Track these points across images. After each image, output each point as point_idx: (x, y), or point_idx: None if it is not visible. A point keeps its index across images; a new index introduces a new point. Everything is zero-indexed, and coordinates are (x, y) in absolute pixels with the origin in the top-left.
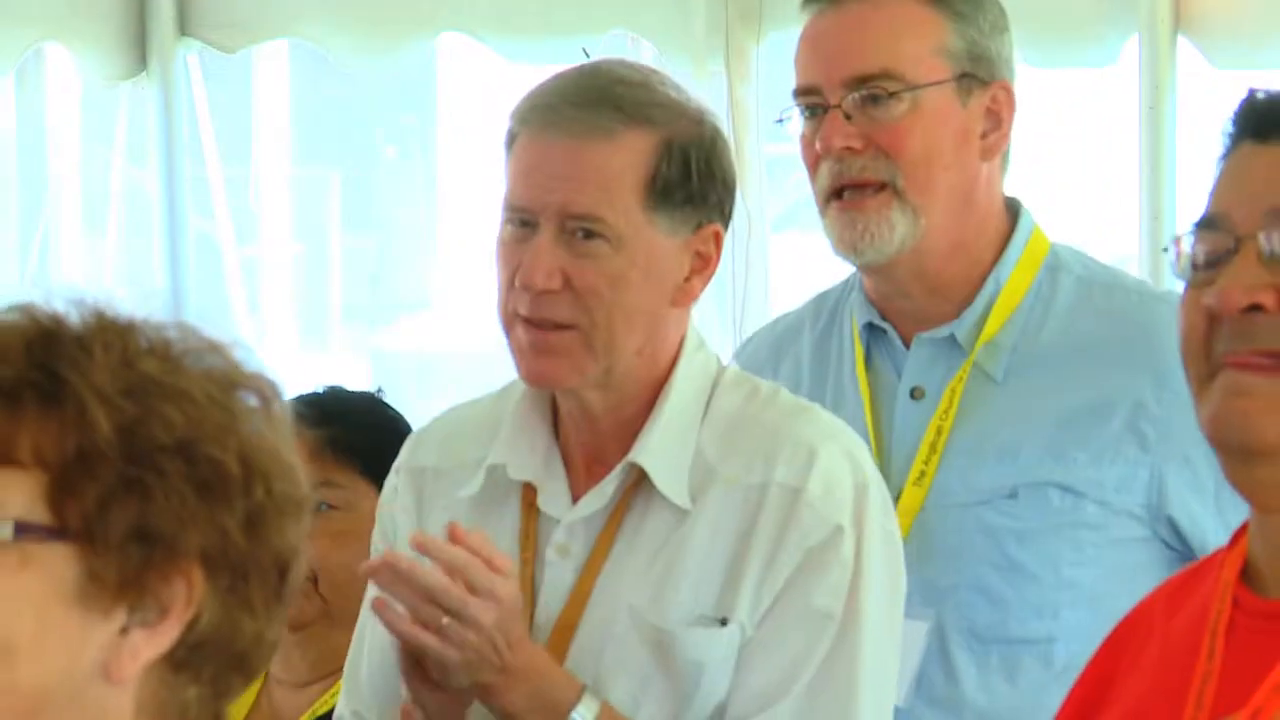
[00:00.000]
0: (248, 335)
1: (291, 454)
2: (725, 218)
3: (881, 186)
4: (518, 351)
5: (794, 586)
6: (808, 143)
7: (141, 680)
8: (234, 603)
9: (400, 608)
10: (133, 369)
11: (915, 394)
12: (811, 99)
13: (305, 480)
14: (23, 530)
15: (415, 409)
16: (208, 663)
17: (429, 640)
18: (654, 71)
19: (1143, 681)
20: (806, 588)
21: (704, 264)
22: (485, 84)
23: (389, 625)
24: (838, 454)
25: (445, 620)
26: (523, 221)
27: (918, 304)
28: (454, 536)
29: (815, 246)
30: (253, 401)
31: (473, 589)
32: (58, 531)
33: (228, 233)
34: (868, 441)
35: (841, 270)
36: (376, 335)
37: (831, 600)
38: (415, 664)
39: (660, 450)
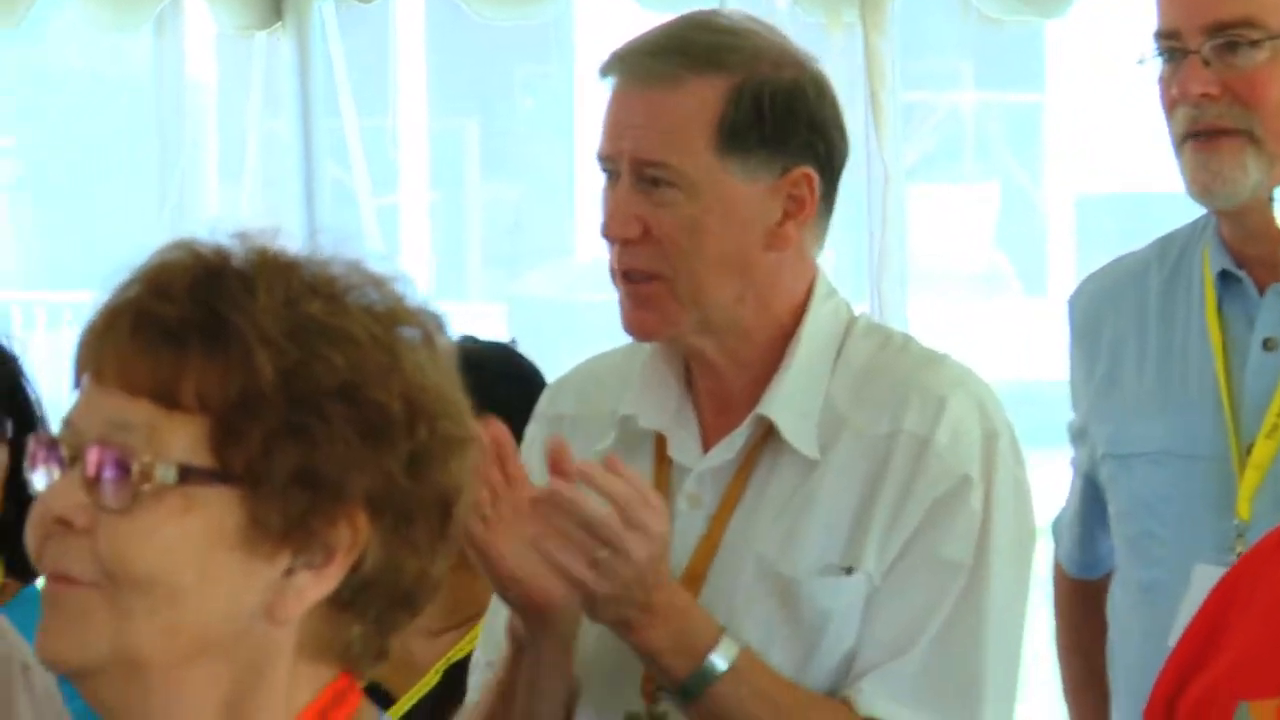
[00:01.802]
0: None
1: (455, 389)
2: (819, 161)
3: (1237, 133)
4: (620, 304)
5: (921, 537)
6: (1165, 85)
7: (305, 619)
8: (398, 543)
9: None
10: (296, 310)
11: (1269, 345)
12: (1171, 43)
13: (469, 416)
14: (187, 474)
15: (554, 357)
16: (372, 602)
17: (583, 572)
18: (749, 20)
19: (1252, 628)
20: (934, 538)
21: (798, 208)
22: (622, 32)
23: (546, 556)
24: (967, 403)
25: (600, 553)
26: (608, 171)
27: (1274, 251)
28: (612, 468)
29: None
30: (416, 337)
31: (629, 522)
32: (221, 475)
33: (364, 182)
34: (1216, 392)
35: (978, 219)
36: (514, 283)
37: (959, 550)
38: (502, 580)
39: (788, 401)
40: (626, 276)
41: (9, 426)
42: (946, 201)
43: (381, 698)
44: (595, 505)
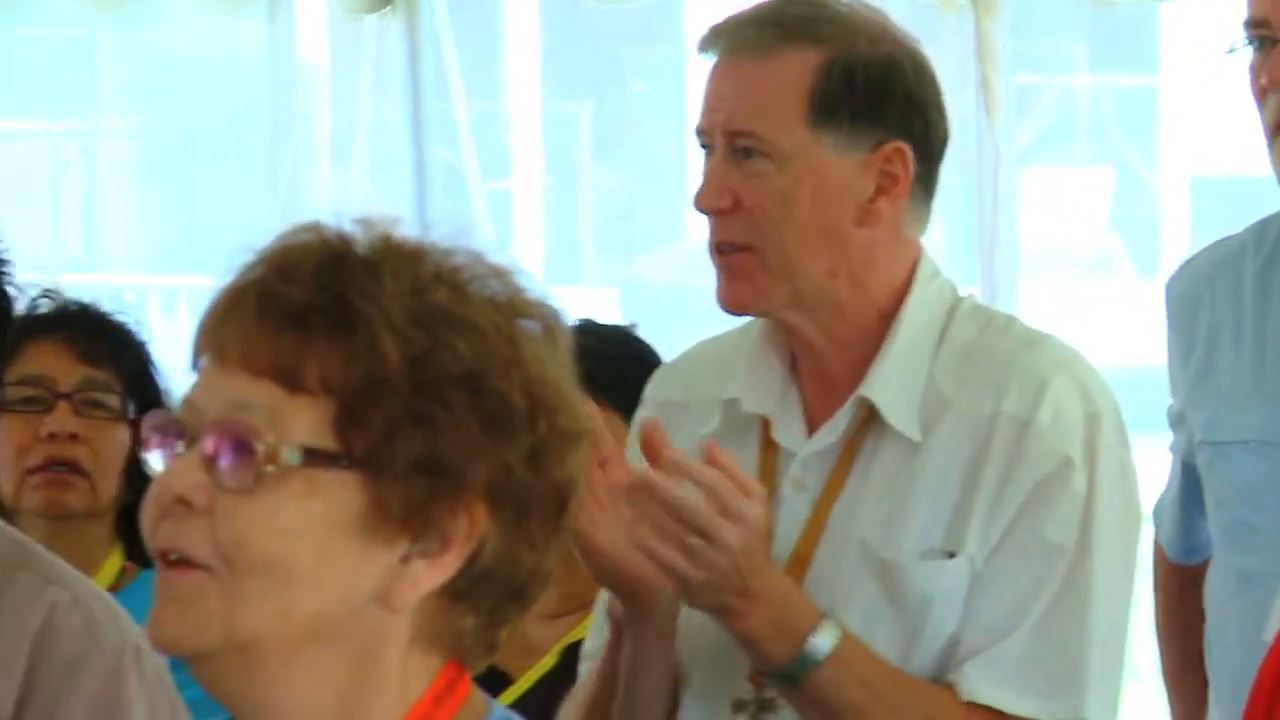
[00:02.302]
0: None
1: (571, 385)
2: (915, 138)
3: None
4: (716, 279)
5: (1024, 519)
6: (1255, 74)
7: (418, 608)
8: (515, 535)
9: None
10: (422, 298)
11: None
12: (1261, 31)
13: (583, 411)
14: (309, 457)
15: (666, 342)
16: (487, 594)
17: (676, 560)
18: None
19: None
20: (1036, 520)
21: (891, 183)
22: (729, 12)
23: (638, 544)
24: (1069, 384)
25: (694, 540)
26: (704, 145)
27: None
28: (710, 457)
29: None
30: (535, 330)
31: (723, 510)
32: (344, 459)
33: (474, 167)
34: None
35: (1091, 202)
36: (626, 268)
37: (1062, 533)
38: (598, 562)
39: (891, 383)
40: (719, 249)
41: (133, 409)
42: (1059, 184)
43: (499, 679)
44: (686, 493)
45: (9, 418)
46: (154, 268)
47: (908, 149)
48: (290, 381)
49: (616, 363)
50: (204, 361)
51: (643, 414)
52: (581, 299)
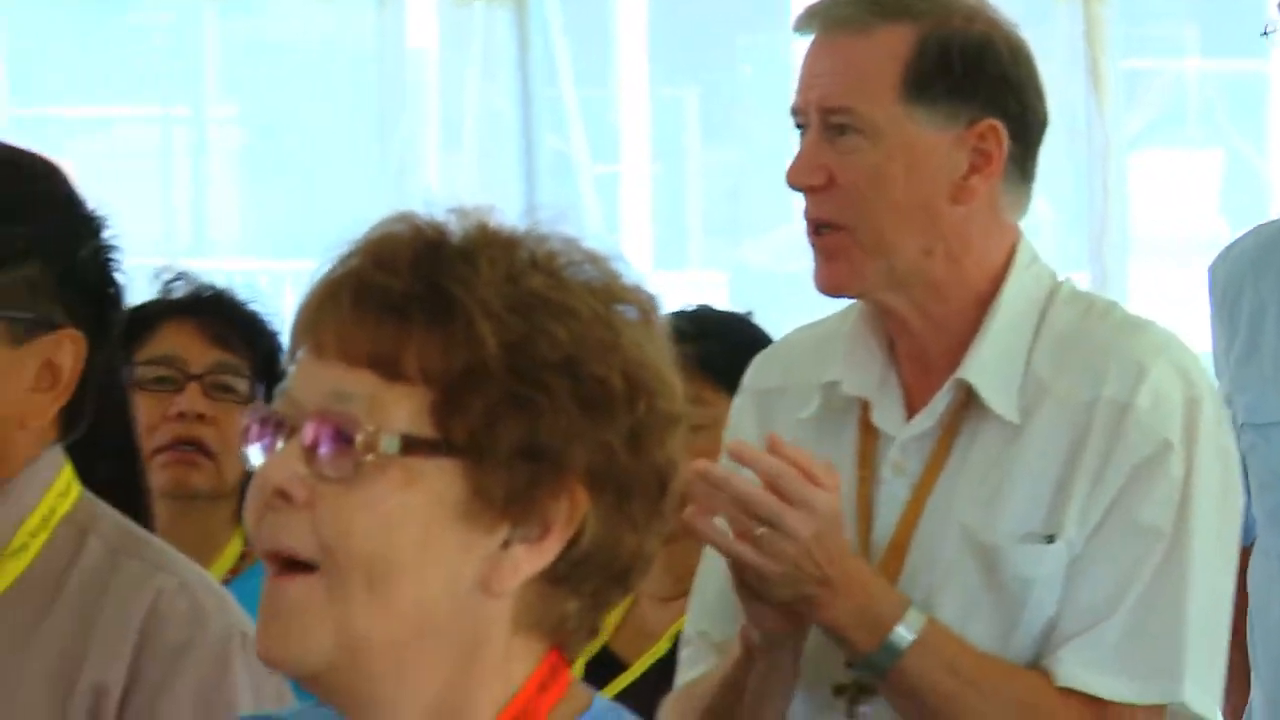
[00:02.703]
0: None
1: (669, 368)
2: (1008, 116)
3: None
4: (814, 260)
5: (1121, 503)
6: None
7: (520, 593)
8: (616, 519)
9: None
10: (518, 285)
11: None
12: None
13: (682, 394)
14: (410, 445)
15: (773, 325)
16: (589, 577)
17: (745, 551)
18: None
19: None
20: (1134, 504)
21: (985, 161)
22: None
23: (705, 536)
24: (1168, 369)
25: (761, 530)
26: (799, 125)
27: None
28: (772, 446)
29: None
30: (632, 315)
31: (789, 499)
32: (444, 447)
33: (583, 152)
34: None
35: (1201, 187)
36: (735, 252)
37: (1160, 516)
38: (744, 581)
39: (989, 366)
40: (815, 229)
41: (262, 395)
42: (1169, 169)
43: (614, 663)
44: (747, 484)
45: (139, 396)
46: (262, 253)
47: (1001, 127)
48: (388, 370)
49: (735, 348)
50: (301, 353)
51: (740, 401)
52: (690, 283)
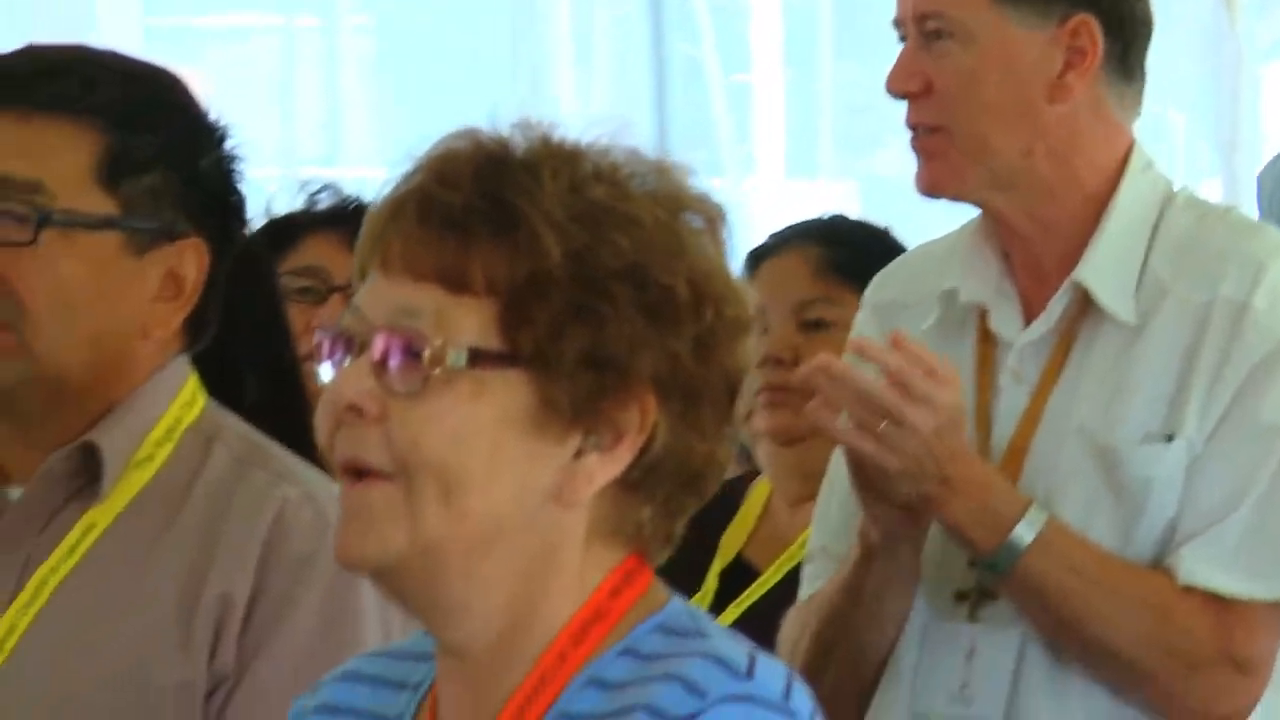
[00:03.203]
0: (734, 162)
1: (736, 275)
2: (1101, 11)
3: None
4: (917, 163)
5: (1240, 402)
6: None
7: (594, 502)
8: (686, 426)
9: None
10: (581, 195)
11: None
12: None
13: (749, 301)
14: (477, 358)
15: (903, 236)
16: (661, 484)
17: (867, 445)
18: None
19: None
20: (1253, 403)
21: (1080, 57)
22: None
23: (827, 429)
24: None
25: (883, 425)
26: (901, 38)
27: None
28: (894, 343)
29: None
30: (698, 224)
31: (910, 394)
32: (511, 358)
33: (714, 60)
34: None
35: None
36: (865, 162)
37: (1279, 415)
38: (864, 479)
39: (1104, 267)
40: (915, 133)
41: None
42: None
43: (748, 572)
44: (868, 378)
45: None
46: (393, 164)
47: (1094, 22)
48: (454, 284)
49: (870, 254)
50: (369, 271)
51: (861, 315)
52: (820, 193)
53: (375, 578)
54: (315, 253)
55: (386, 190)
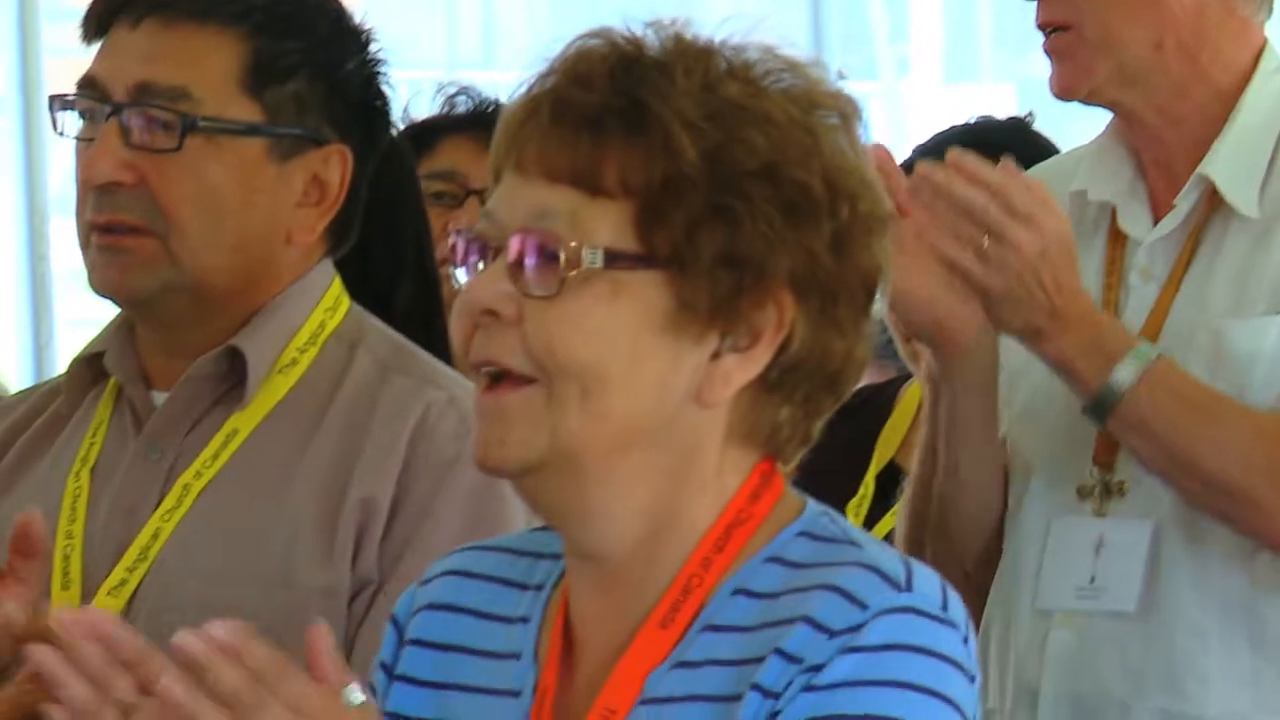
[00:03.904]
0: (890, 64)
1: (872, 172)
2: None
3: None
4: (1049, 65)
5: None
6: None
7: (732, 404)
8: (824, 324)
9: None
10: (715, 93)
11: None
12: None
13: (884, 198)
14: (613, 259)
15: (1061, 137)
16: (800, 384)
17: (968, 261)
18: None
19: None
20: None
21: None
22: None
23: (930, 241)
24: None
25: (985, 241)
26: None
27: None
28: (1006, 170)
29: None
30: (833, 120)
31: (1012, 210)
32: (647, 259)
33: None
34: None
35: None
36: (1023, 63)
37: None
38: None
39: (1230, 163)
40: (1046, 33)
41: None
42: None
43: (900, 475)
44: (970, 190)
45: None
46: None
47: None
48: (589, 185)
49: (1013, 157)
50: (504, 173)
51: None
52: (978, 95)
53: (515, 482)
54: (452, 156)
55: (521, 92)
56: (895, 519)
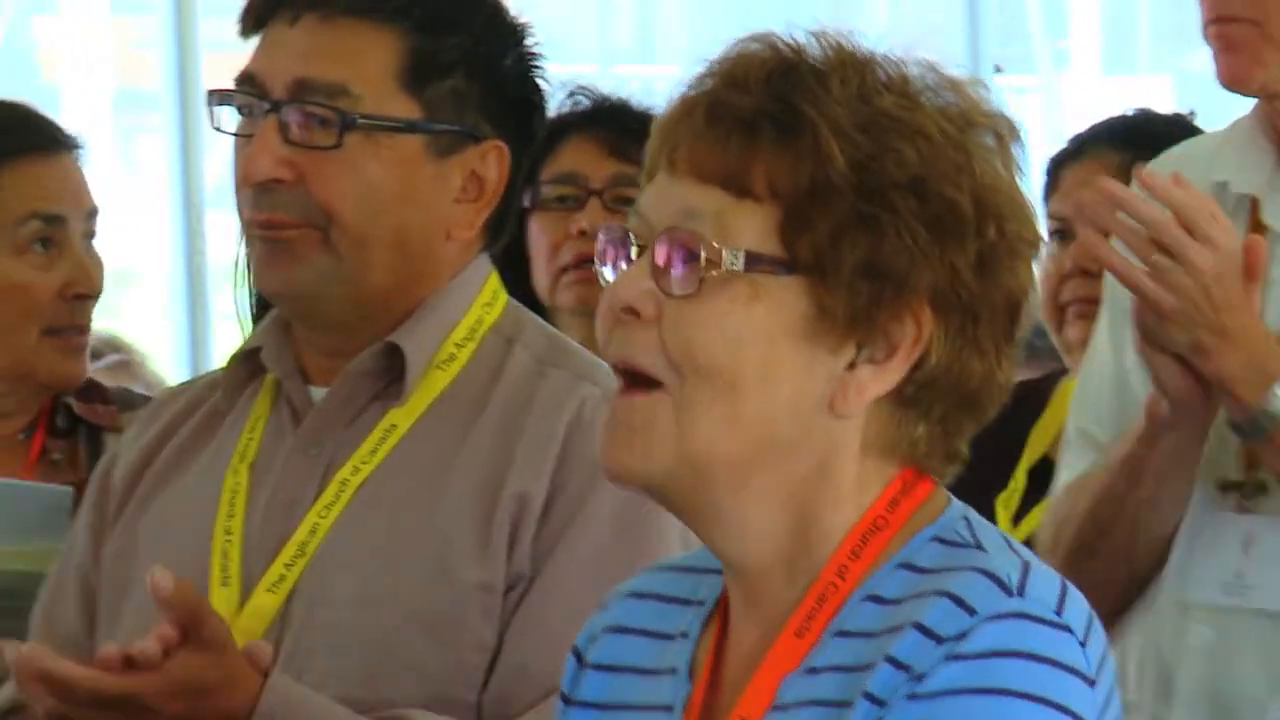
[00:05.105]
0: (1047, 58)
1: (1024, 194)
2: None
3: None
4: (1214, 53)
5: None
6: None
7: (869, 415)
8: (964, 343)
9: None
10: (869, 104)
11: None
12: None
13: (1036, 221)
14: (754, 261)
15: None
16: (937, 401)
17: (1142, 280)
18: None
19: None
20: None
21: None
22: None
23: (1104, 258)
24: None
25: (1160, 260)
26: None
27: None
28: (1178, 182)
29: None
30: (989, 140)
31: (1191, 230)
32: (788, 264)
33: None
34: None
35: None
36: (1183, 56)
37: None
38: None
39: None
40: (1216, 24)
41: None
42: None
43: (1052, 469)
44: (1152, 207)
45: (543, 215)
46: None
47: None
48: (737, 187)
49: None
50: (657, 172)
51: None
52: (1136, 88)
53: (645, 491)
54: (573, 158)
55: (679, 92)
56: (1044, 513)
